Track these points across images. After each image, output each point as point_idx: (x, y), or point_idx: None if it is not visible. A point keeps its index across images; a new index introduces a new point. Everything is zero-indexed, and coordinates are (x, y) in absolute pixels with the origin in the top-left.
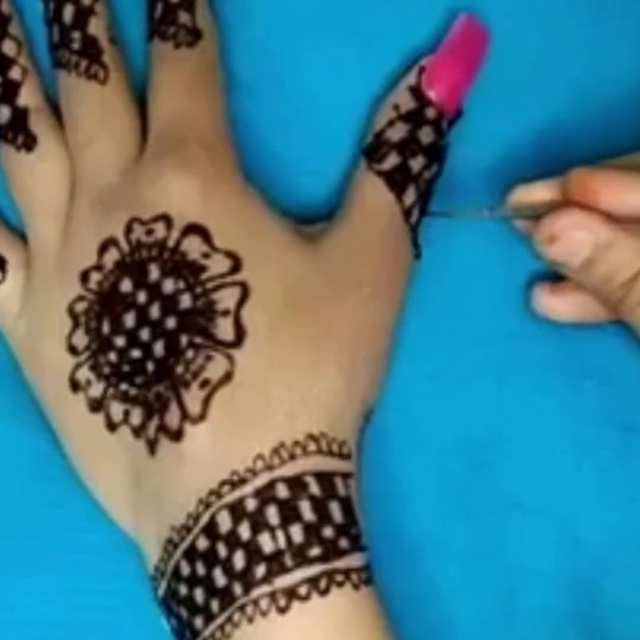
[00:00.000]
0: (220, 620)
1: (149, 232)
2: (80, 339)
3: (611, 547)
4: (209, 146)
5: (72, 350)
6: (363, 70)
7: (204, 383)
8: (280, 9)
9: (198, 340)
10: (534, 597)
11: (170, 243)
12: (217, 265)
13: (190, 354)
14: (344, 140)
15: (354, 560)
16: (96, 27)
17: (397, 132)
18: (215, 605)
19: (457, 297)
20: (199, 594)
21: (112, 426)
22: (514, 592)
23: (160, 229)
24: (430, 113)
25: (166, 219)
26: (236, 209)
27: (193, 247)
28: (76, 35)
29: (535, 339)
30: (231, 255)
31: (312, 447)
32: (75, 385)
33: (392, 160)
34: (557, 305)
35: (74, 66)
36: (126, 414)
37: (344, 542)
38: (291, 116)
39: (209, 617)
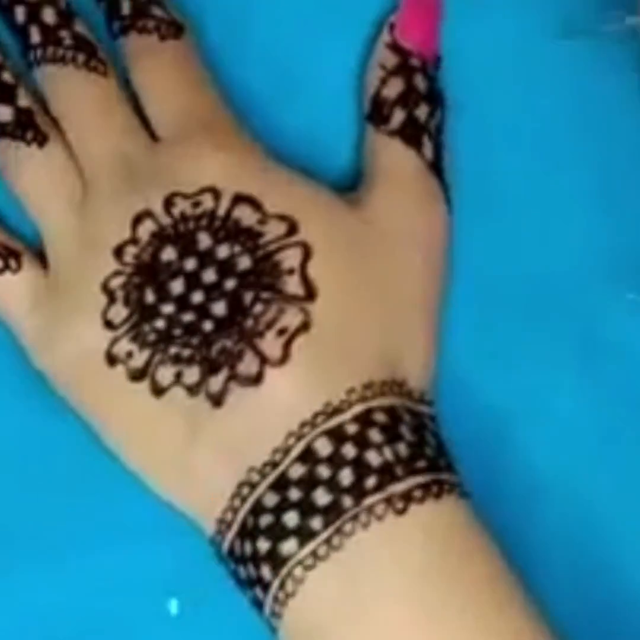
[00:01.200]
0: (325, 535)
1: (196, 204)
2: (117, 313)
3: (630, 522)
4: (233, 126)
5: (108, 325)
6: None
7: (281, 331)
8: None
9: (266, 295)
10: (552, 582)
11: (221, 212)
12: (274, 229)
13: (258, 308)
14: (352, 122)
15: (454, 477)
16: (82, 26)
17: (394, 87)
18: (316, 522)
19: (472, 273)
20: (290, 518)
21: (159, 391)
22: (533, 576)
23: (208, 200)
24: (415, 62)
25: (213, 191)
26: (279, 175)
27: (246, 215)
28: (65, 33)
29: (551, 319)
30: (285, 218)
31: (397, 389)
32: (112, 360)
33: (398, 117)
34: None
35: (71, 60)
36: (178, 375)
37: (443, 461)
38: (299, 93)
39: (309, 535)
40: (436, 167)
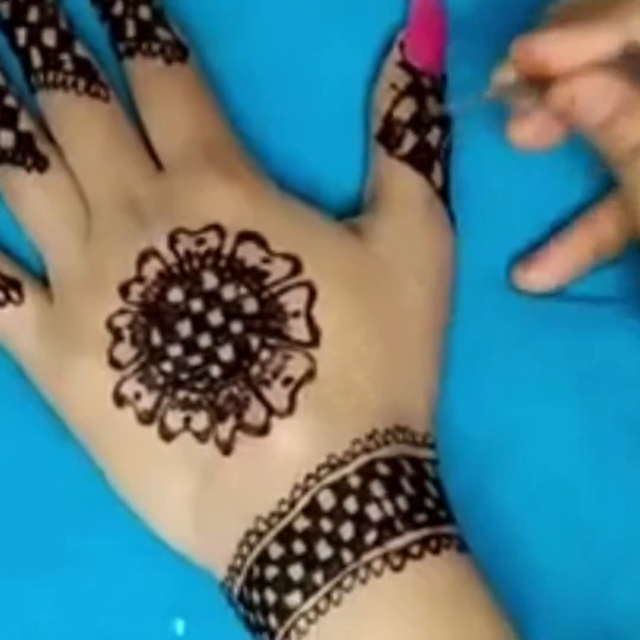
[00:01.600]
0: (325, 589)
1: (200, 242)
2: (124, 353)
3: (627, 548)
4: (238, 152)
5: (115, 364)
6: (374, 64)
7: (287, 380)
8: (288, 4)
9: (272, 341)
10: (545, 600)
11: (226, 251)
12: (279, 269)
13: (265, 354)
14: (357, 135)
15: (453, 529)
16: (83, 49)
17: (406, 109)
18: (318, 576)
19: (467, 300)
20: (295, 570)
21: (168, 436)
22: (525, 594)
23: (212, 238)
24: (426, 82)
25: (218, 229)
26: (283, 209)
27: (250, 253)
28: (65, 57)
29: (546, 341)
30: (290, 257)
31: (400, 436)
32: (120, 400)
33: (410, 141)
34: (535, 278)
35: (72, 85)
36: (187, 420)
37: (443, 513)
38: (300, 111)
39: (312, 589)
40: (444, 194)
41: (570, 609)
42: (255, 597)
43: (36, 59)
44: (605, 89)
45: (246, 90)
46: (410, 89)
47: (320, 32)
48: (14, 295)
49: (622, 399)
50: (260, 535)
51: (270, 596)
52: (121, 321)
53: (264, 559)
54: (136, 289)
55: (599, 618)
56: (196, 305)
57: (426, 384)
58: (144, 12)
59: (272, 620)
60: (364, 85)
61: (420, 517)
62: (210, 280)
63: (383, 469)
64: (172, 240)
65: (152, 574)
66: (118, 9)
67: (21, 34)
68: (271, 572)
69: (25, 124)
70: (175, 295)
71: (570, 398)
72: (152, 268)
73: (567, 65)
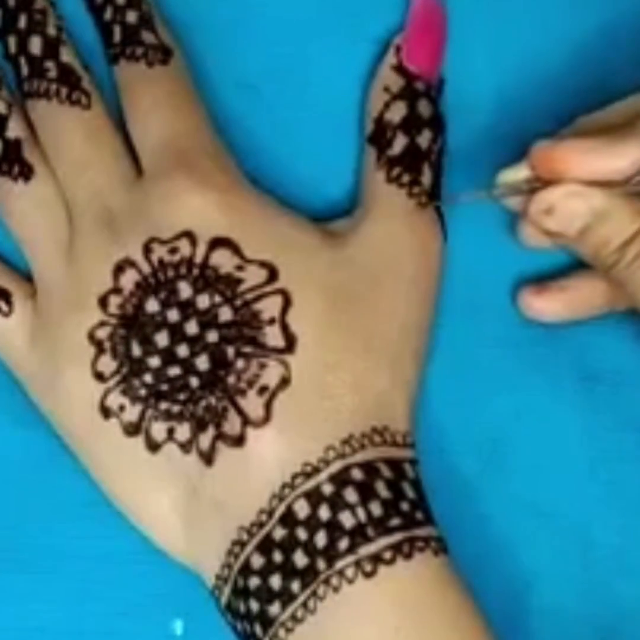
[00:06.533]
0: (302, 598)
1: (173, 250)
2: (107, 365)
3: (623, 548)
4: (214, 157)
5: (99, 377)
6: (369, 68)
7: (262, 389)
8: (283, 8)
9: (247, 349)
10: (545, 599)
11: (198, 259)
12: (253, 276)
13: (240, 363)
14: (351, 137)
15: (431, 531)
16: (68, 55)
17: (397, 112)
18: (295, 585)
19: (469, 300)
20: (274, 580)
21: (154, 447)
22: (525, 593)
23: (185, 246)
24: (420, 85)
25: (189, 236)
26: (258, 216)
27: (223, 260)
28: (50, 64)
29: (548, 342)
30: (265, 265)
31: (378, 439)
32: (106, 412)
33: (400, 143)
34: (545, 307)
35: (55, 94)
36: (170, 431)
37: (419, 515)
38: (296, 115)
39: (289, 598)
40: (433, 195)
41: (566, 612)
42: (242, 606)
43: (24, 68)
44: (582, 197)
45: (241, 92)
46: (402, 92)
47: (316, 35)
48: (2, 306)
49: (624, 400)
50: (243, 545)
51: (254, 606)
52: (102, 333)
53: (246, 569)
54: (114, 301)
55: (596, 622)
56: (172, 315)
57: (406, 384)
58: (132, 17)
59: (258, 629)
60: (359, 88)
61: (394, 522)
62: (185, 290)
63: (358, 475)
64: (147, 250)
65: (151, 575)
66: (108, 14)
67: (11, 43)
68: (254, 582)
69: (13, 131)
70: (152, 305)
71: (571, 398)
72: (129, 278)
73: (584, 176)
